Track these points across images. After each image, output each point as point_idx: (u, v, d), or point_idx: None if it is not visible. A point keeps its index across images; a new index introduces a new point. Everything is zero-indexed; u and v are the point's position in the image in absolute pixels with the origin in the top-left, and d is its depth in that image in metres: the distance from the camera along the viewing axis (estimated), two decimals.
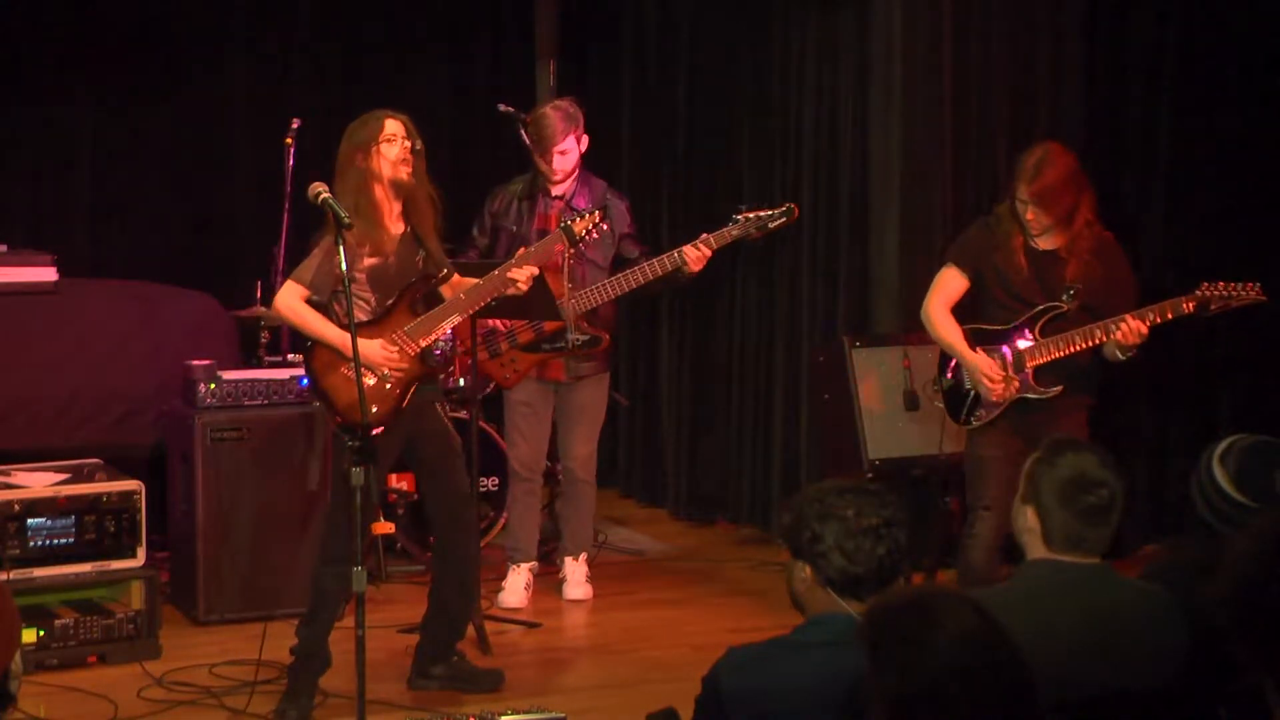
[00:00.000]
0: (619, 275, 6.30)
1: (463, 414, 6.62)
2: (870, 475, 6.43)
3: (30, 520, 5.80)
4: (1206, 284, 5.36)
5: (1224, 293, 5.34)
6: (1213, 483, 3.72)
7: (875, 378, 6.51)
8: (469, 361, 6.38)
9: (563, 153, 6.40)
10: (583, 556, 6.76)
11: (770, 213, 6.21)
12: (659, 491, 8.45)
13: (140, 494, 5.95)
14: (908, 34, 6.86)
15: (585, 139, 6.48)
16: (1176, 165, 7.19)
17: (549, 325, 6.35)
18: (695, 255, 6.18)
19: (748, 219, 6.22)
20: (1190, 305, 5.34)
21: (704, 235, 6.22)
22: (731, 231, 6.22)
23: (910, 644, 2.51)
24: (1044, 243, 5.47)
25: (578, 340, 6.36)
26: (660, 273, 6.24)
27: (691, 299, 8.17)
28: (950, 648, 2.49)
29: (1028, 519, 3.50)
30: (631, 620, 6.49)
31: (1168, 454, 7.29)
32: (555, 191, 6.47)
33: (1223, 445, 3.77)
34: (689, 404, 8.27)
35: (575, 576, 6.71)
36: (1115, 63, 7.19)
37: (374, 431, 4.79)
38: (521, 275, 5.41)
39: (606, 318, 6.50)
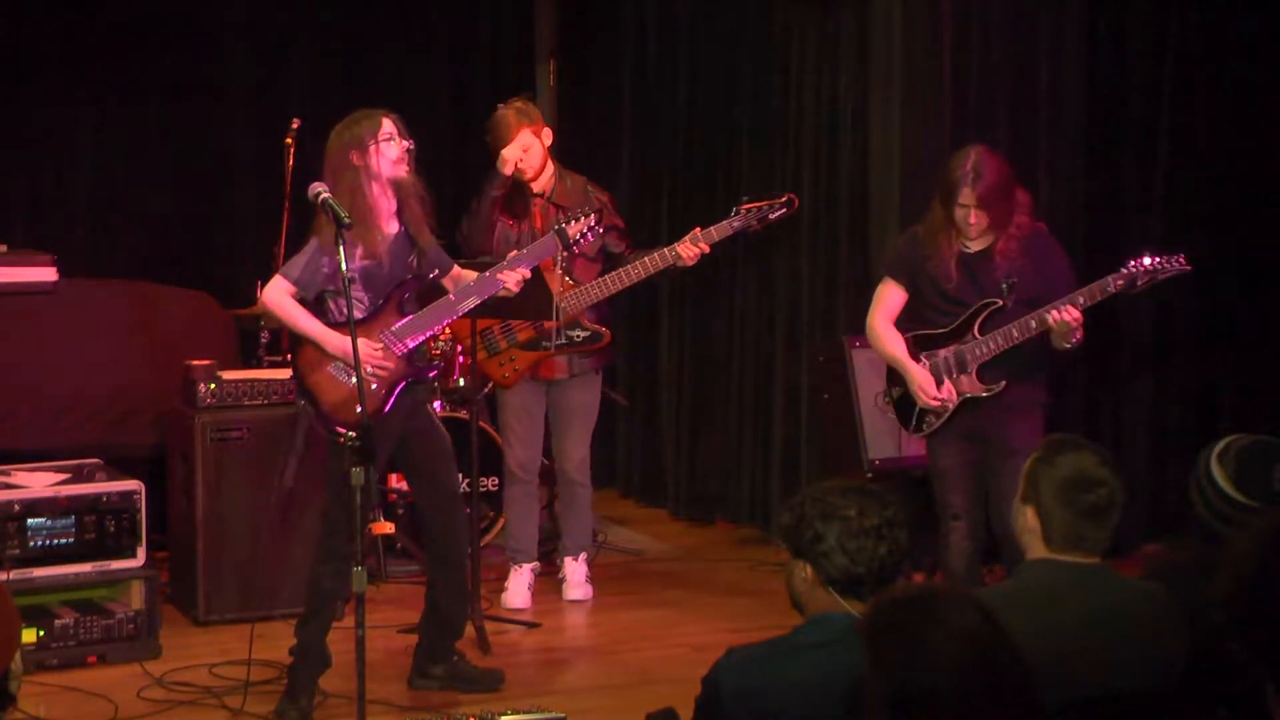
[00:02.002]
0: (617, 272, 6.30)
1: (463, 414, 6.63)
2: (870, 475, 6.43)
3: (30, 520, 5.80)
4: (1132, 260, 5.34)
5: (1149, 268, 5.31)
6: (1211, 482, 3.72)
7: (875, 378, 6.51)
8: (469, 362, 6.38)
9: (524, 148, 6.40)
10: (582, 556, 6.76)
11: (769, 204, 6.21)
12: (659, 491, 8.45)
13: (140, 494, 5.95)
14: (908, 34, 6.86)
15: (548, 132, 6.48)
16: (1176, 164, 7.19)
17: (549, 323, 6.35)
18: (692, 253, 6.19)
19: (748, 211, 6.22)
20: (1118, 283, 5.32)
21: (697, 230, 6.22)
22: (732, 224, 6.22)
23: (911, 641, 2.51)
24: (975, 245, 5.44)
25: (579, 337, 6.36)
26: (655, 269, 6.25)
27: (691, 298, 8.17)
28: (951, 646, 2.49)
29: (1028, 519, 3.50)
30: (631, 620, 6.49)
31: (1167, 453, 7.29)
32: (536, 189, 6.47)
33: (1221, 445, 3.77)
34: (689, 404, 8.27)
35: (575, 577, 6.71)
36: (1115, 62, 7.19)
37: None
38: (511, 279, 5.41)
39: (604, 314, 6.51)
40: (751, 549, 7.53)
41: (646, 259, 6.26)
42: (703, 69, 8.12)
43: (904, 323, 5.58)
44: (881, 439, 6.48)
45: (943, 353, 5.47)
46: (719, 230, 6.21)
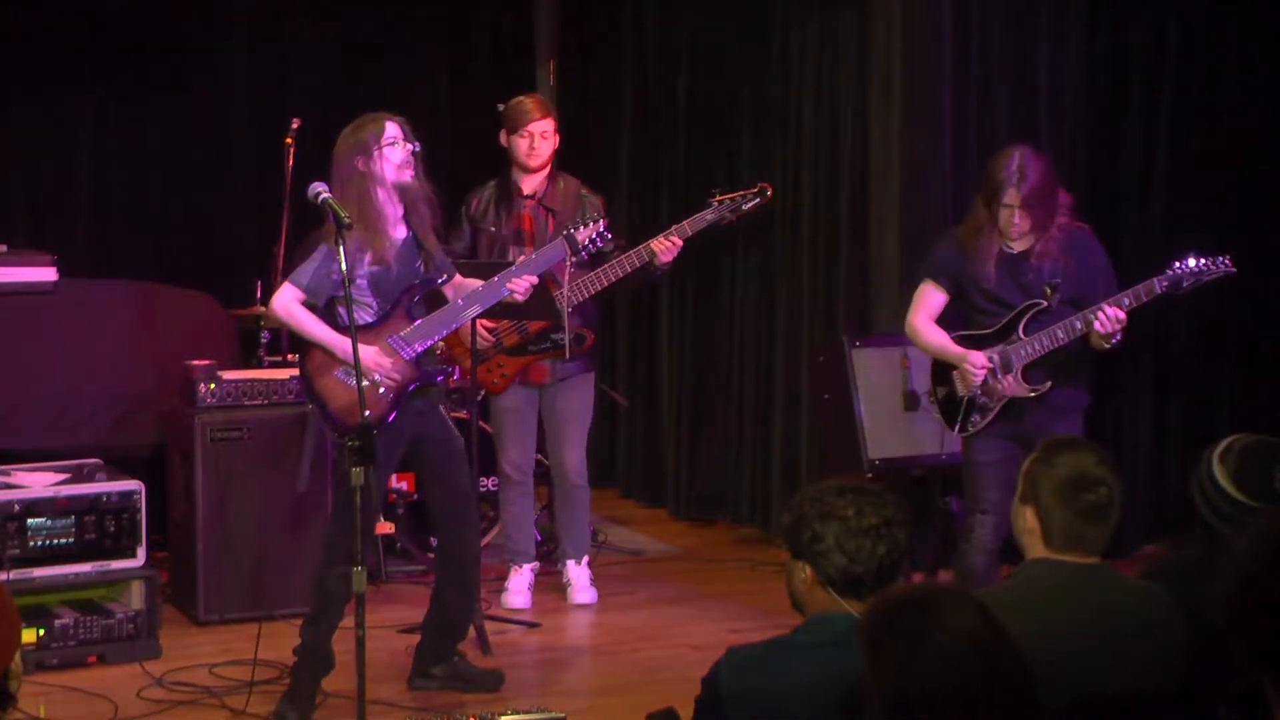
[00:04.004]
0: (593, 273, 6.27)
1: (463, 414, 6.63)
2: (870, 475, 6.43)
3: (30, 520, 5.80)
4: (1178, 262, 5.36)
5: (1195, 269, 5.33)
6: (1213, 482, 3.71)
7: (875, 378, 6.51)
8: (467, 363, 6.37)
9: (544, 135, 6.38)
10: (585, 560, 6.74)
11: (743, 194, 6.20)
12: (659, 491, 8.45)
13: (140, 494, 5.95)
14: (908, 34, 6.86)
15: (558, 138, 6.48)
16: (1176, 164, 7.19)
17: (533, 326, 6.33)
18: (664, 246, 6.17)
19: (721, 202, 6.22)
20: (1163, 285, 5.33)
21: (674, 226, 6.22)
22: (705, 216, 6.21)
23: (911, 641, 2.51)
24: (1018, 245, 5.48)
25: (562, 340, 6.35)
26: (631, 268, 6.23)
27: (692, 298, 8.17)
28: (951, 646, 2.49)
29: (1027, 519, 3.50)
30: (631, 620, 6.48)
31: (1168, 453, 7.29)
32: (526, 190, 6.45)
33: (1223, 445, 3.77)
34: (689, 404, 8.27)
35: (580, 581, 6.69)
36: (1115, 63, 7.19)
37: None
38: (520, 286, 5.43)
39: (588, 315, 6.49)
40: (751, 549, 7.53)
41: (621, 258, 6.24)
42: (703, 68, 8.12)
43: (949, 326, 5.63)
44: (881, 439, 6.48)
45: (989, 353, 5.50)
46: (692, 224, 6.20)
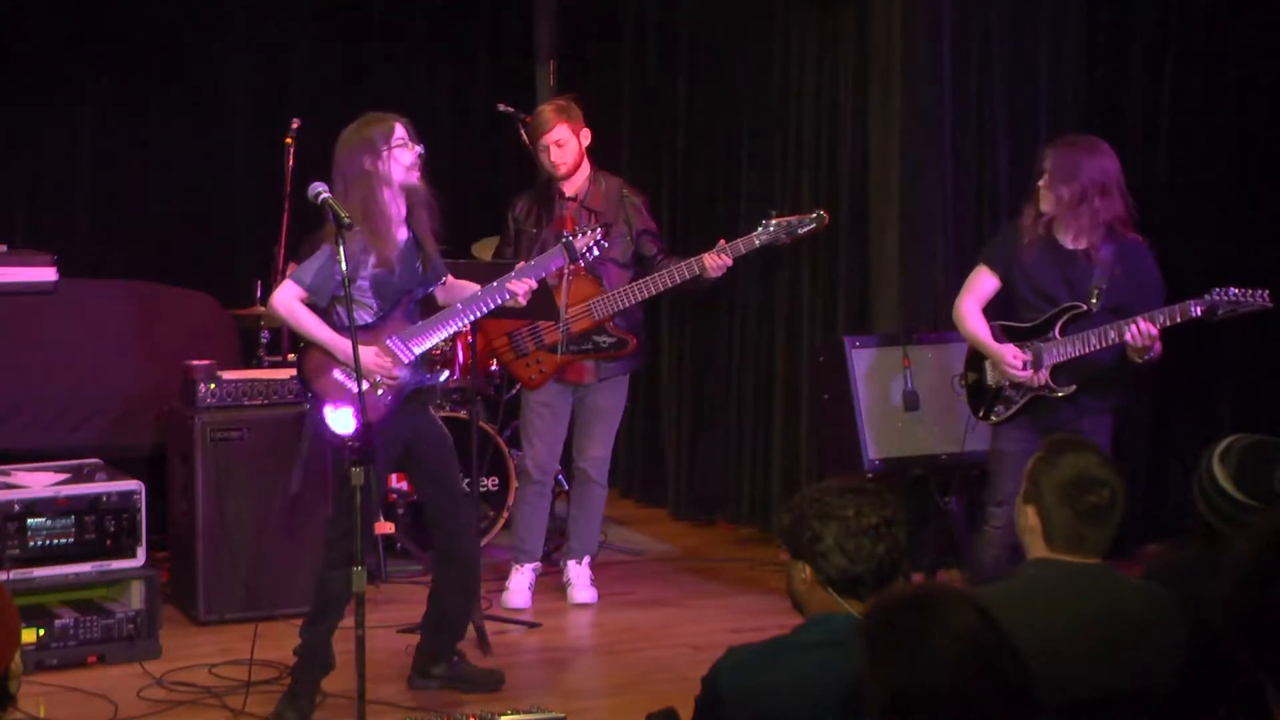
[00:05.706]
0: (643, 280, 6.27)
1: (463, 414, 6.63)
2: (870, 475, 6.43)
3: (30, 520, 5.80)
4: (1218, 289, 5.36)
5: (1233, 299, 5.33)
6: (1213, 482, 3.71)
7: (875, 378, 6.51)
8: (489, 362, 6.35)
9: (558, 143, 6.37)
10: (586, 560, 6.74)
11: (799, 219, 6.16)
12: (659, 491, 8.45)
13: (140, 494, 5.95)
14: (908, 34, 6.86)
15: (587, 133, 6.46)
16: (1176, 164, 7.18)
17: (576, 327, 6.34)
18: (716, 264, 6.15)
19: (777, 225, 6.16)
20: (1199, 310, 5.33)
21: (722, 242, 6.19)
22: (759, 237, 6.16)
23: (910, 641, 2.51)
24: (1072, 242, 5.51)
25: (605, 343, 6.37)
26: (680, 280, 6.22)
27: (692, 298, 8.16)
28: (950, 646, 2.49)
29: (1029, 519, 3.50)
30: (631, 620, 6.49)
31: (1168, 454, 7.29)
32: (568, 192, 6.45)
33: (1223, 445, 3.77)
34: (689, 404, 8.27)
35: (581, 580, 6.69)
36: (1115, 61, 7.19)
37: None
38: (520, 289, 5.40)
39: (633, 320, 6.49)
40: (752, 549, 7.53)
41: (672, 269, 6.22)
42: (703, 69, 8.12)
43: (994, 314, 5.67)
44: (881, 439, 6.49)
45: (1025, 346, 5.54)
46: (745, 243, 6.16)
